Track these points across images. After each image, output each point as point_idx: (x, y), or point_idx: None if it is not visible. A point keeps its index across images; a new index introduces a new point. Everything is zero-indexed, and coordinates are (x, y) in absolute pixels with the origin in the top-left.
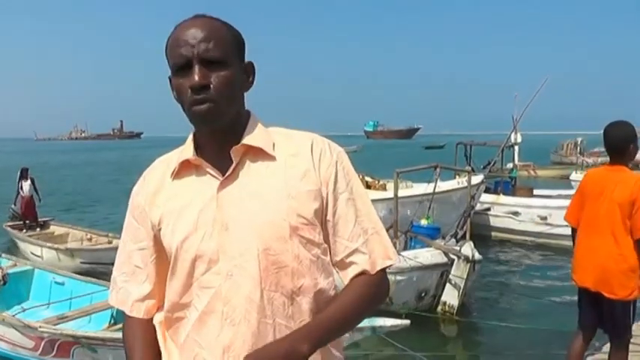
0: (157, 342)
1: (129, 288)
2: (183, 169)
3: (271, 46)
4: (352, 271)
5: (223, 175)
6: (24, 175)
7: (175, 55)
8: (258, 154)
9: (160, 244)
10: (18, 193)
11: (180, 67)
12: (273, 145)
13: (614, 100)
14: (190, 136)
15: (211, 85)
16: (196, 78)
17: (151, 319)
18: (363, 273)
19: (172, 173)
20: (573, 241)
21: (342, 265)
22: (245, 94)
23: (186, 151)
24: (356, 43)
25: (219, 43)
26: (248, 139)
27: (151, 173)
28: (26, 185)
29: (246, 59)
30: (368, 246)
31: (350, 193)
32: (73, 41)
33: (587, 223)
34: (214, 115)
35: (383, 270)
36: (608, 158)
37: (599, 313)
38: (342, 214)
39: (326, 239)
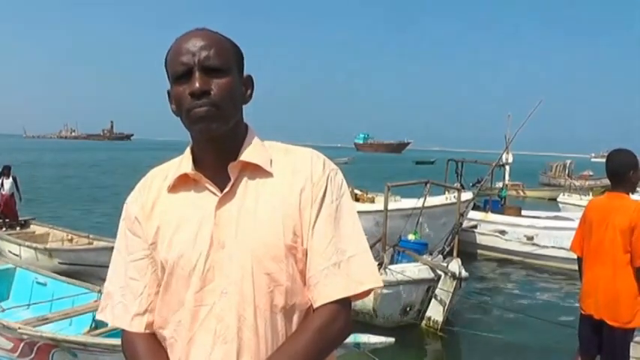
0: (162, 351)
1: (126, 302)
2: (181, 182)
3: (263, 54)
4: (321, 297)
5: (221, 191)
6: (5, 172)
7: (176, 64)
8: (255, 170)
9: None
10: None
11: (181, 76)
12: (271, 161)
13: (605, 125)
14: (188, 150)
15: (212, 92)
16: (197, 84)
17: (152, 333)
18: (331, 303)
19: (169, 187)
20: (579, 270)
21: (311, 284)
22: (244, 108)
23: (185, 164)
24: (348, 55)
25: (219, 51)
26: (246, 156)
27: (146, 184)
28: (7, 183)
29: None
30: (341, 269)
31: (335, 211)
32: (68, 39)
33: (592, 252)
34: (214, 118)
35: (357, 294)
36: (595, 182)
37: (599, 341)
38: (320, 229)
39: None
